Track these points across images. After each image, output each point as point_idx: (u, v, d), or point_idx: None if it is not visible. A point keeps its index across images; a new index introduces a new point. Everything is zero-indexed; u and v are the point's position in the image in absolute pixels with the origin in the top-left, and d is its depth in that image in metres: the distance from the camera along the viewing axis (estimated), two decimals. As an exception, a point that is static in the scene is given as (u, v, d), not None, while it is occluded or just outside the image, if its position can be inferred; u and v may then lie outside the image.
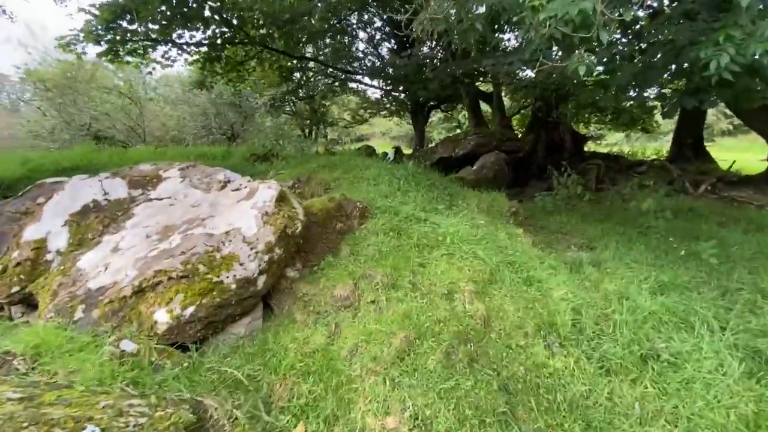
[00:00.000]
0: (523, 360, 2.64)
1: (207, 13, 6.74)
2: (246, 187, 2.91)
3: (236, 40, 7.77)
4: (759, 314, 3.48)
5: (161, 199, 3.14)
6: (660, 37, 5.10)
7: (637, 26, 6.17)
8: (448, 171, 10.28)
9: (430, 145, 12.51)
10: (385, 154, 11.08)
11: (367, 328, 2.37)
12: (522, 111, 15.42)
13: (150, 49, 7.80)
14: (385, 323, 2.41)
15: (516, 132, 15.56)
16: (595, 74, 7.57)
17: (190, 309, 2.09)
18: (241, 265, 2.27)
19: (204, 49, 7.84)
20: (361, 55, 14.67)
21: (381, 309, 2.52)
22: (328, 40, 12.22)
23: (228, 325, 2.35)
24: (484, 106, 15.49)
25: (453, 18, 3.68)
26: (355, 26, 14.85)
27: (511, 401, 2.35)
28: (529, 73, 7.11)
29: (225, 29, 7.43)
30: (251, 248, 2.33)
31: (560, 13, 2.78)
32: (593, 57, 2.81)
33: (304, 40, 10.48)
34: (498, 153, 9.65)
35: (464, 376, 2.30)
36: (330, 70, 10.71)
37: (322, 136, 22.21)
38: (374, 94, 20.29)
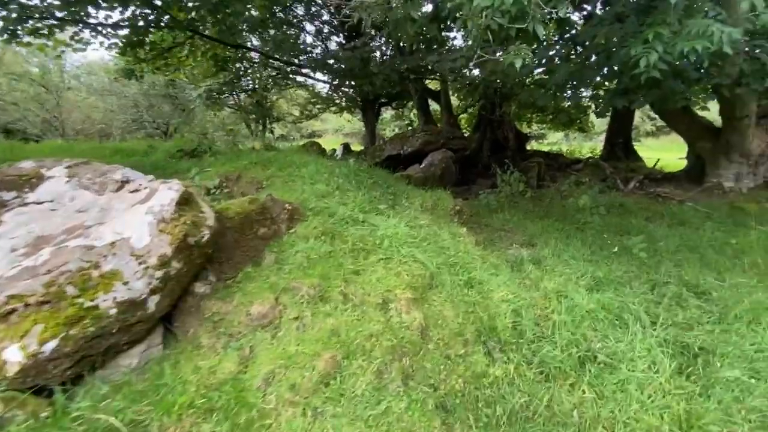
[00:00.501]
0: (462, 371, 2.47)
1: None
2: (146, 188, 2.47)
3: (161, 24, 7.00)
4: (685, 307, 3.62)
5: (40, 203, 2.60)
6: (594, 38, 5.25)
7: (573, 31, 6.37)
8: (397, 169, 10.16)
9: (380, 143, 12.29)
10: (333, 150, 10.71)
11: (287, 350, 2.07)
12: (469, 110, 15.70)
13: (57, 30, 6.82)
14: (308, 343, 2.12)
15: (464, 130, 15.87)
16: (536, 74, 7.76)
17: (52, 343, 1.66)
18: (125, 284, 1.86)
19: (124, 32, 6.98)
20: (309, 48, 14.12)
21: (305, 326, 2.22)
22: (272, 31, 11.58)
23: (114, 358, 1.93)
24: (434, 105, 15.60)
25: (388, 5, 3.45)
26: (301, 18, 14.27)
27: (448, 420, 2.17)
28: (476, 72, 7.11)
29: (147, 10, 6.65)
30: (140, 263, 1.92)
31: (496, 3, 2.64)
32: (529, 51, 2.69)
33: (244, 28, 9.81)
34: (445, 151, 9.66)
35: (397, 398, 2.07)
36: (271, 61, 10.09)
37: (268, 131, 21.26)
38: (324, 88, 19.71)
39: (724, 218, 6.42)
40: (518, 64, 2.59)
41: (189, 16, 6.95)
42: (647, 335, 2.96)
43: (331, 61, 11.86)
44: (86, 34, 6.85)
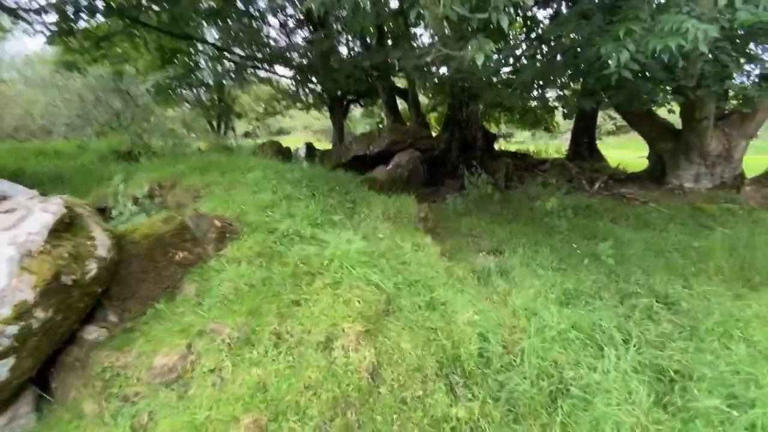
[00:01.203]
0: (420, 417, 2.12)
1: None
2: (23, 207, 1.95)
3: (94, 10, 6.23)
4: (656, 321, 3.45)
5: None
6: (560, 38, 5.05)
7: (539, 29, 6.19)
8: (364, 169, 9.76)
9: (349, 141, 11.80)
10: (295, 150, 10.15)
11: (197, 416, 1.64)
12: (438, 108, 15.49)
13: (-32, 14, 5.92)
14: (225, 404, 1.69)
15: (434, 129, 15.65)
16: (503, 74, 7.55)
17: None
18: (-40, 347, 1.38)
19: (51, 18, 6.17)
20: (272, 42, 13.39)
21: (223, 381, 1.79)
22: (229, 22, 10.83)
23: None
24: (404, 103, 15.28)
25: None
26: (263, 9, 13.52)
27: (401, 485, 1.82)
28: (443, 70, 6.80)
29: (75, -6, 5.89)
30: (-14, 316, 1.44)
31: (455, -10, 2.31)
32: (492, 46, 2.36)
33: (197, 18, 9.05)
34: (413, 151, 9.35)
35: (338, 466, 1.70)
36: (228, 54, 9.34)
37: (229, 129, 20.28)
38: (290, 84, 18.96)
39: (686, 219, 6.45)
40: (479, 60, 2.26)
41: (129, 3, 6.22)
42: (621, 358, 2.73)
43: (291, 55, 11.26)
44: (6, 20, 6.00)
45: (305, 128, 41.35)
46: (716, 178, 7.55)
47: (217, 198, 3.49)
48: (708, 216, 6.48)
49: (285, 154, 9.27)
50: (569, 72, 4.52)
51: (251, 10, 12.89)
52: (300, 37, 15.49)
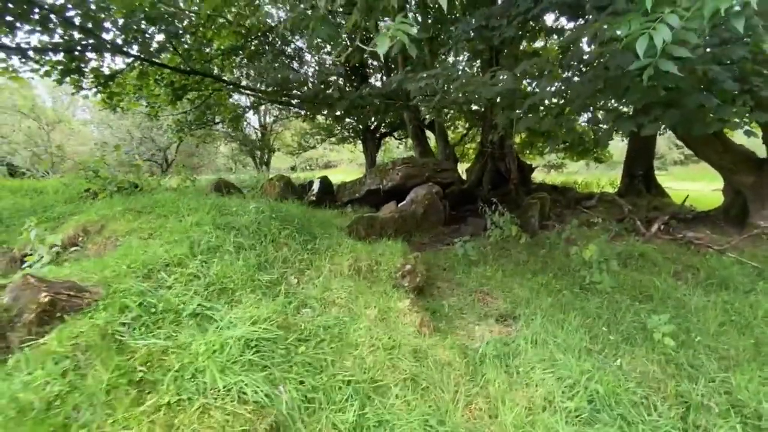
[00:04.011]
0: None
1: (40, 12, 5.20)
2: None
3: (97, 48, 6.25)
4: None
5: None
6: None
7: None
8: (377, 205, 8.94)
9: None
10: (310, 184, 9.62)
11: None
12: (465, 139, 14.50)
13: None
14: None
15: (470, 162, 14.59)
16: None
17: None
18: None
19: (56, 57, 6.24)
20: (309, 82, 13.36)
21: None
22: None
23: None
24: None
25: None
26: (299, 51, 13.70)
27: None
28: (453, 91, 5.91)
29: (78, 34, 5.91)
30: None
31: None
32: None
33: (208, 56, 9.07)
34: (431, 185, 8.40)
35: None
36: (231, 87, 9.11)
37: (263, 163, 20.70)
38: (324, 119, 19.05)
39: (782, 277, 4.82)
40: (382, 49, 1.38)
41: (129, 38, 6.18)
42: None
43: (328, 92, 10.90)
44: (14, 60, 6.19)
45: (351, 162, 42.08)
46: (821, 221, 5.77)
47: (132, 249, 2.80)
48: (815, 273, 4.80)
49: (293, 189, 8.72)
50: (599, 87, 3.43)
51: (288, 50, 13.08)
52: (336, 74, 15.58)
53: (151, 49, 7.00)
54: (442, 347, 3.03)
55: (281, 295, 2.66)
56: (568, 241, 6.23)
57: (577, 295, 4.38)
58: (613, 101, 3.55)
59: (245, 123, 22.38)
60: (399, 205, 7.80)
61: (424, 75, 5.27)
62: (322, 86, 7.40)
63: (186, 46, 7.48)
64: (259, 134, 24.25)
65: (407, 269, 3.85)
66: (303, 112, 15.87)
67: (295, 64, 13.13)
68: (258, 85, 10.18)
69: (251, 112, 24.42)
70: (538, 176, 15.11)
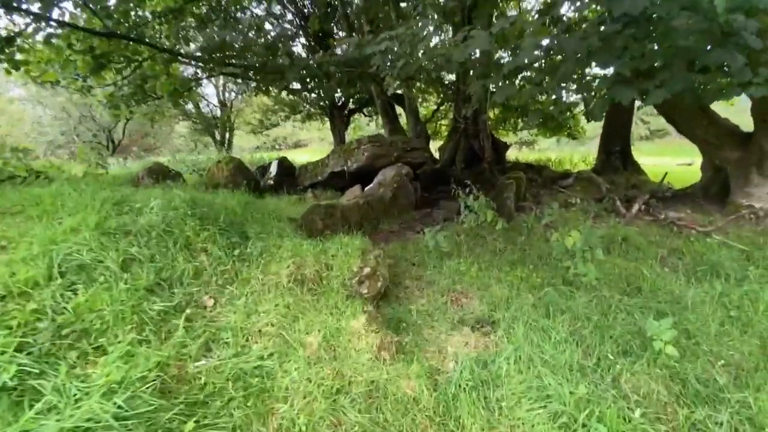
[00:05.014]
0: None
1: None
2: None
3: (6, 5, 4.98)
4: None
5: None
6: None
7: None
8: (342, 188, 8.17)
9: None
10: (264, 168, 8.67)
11: None
12: (438, 114, 13.75)
13: None
14: None
15: (442, 139, 13.87)
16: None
17: None
18: None
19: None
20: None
21: None
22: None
23: None
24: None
25: None
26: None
27: None
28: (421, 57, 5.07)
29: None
30: None
31: None
32: None
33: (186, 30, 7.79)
34: (400, 166, 7.68)
35: None
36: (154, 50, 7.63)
37: (224, 143, 19.29)
38: (287, 94, 17.72)
39: (774, 261, 4.47)
40: None
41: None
42: None
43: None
44: None
45: (322, 140, 40.36)
46: (806, 198, 5.50)
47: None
48: (808, 256, 4.48)
49: (246, 172, 7.78)
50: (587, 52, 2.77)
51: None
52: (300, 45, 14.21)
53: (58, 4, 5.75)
54: (406, 377, 2.39)
55: (179, 329, 1.91)
56: (547, 226, 5.71)
57: (561, 291, 3.85)
58: (608, 66, 2.91)
59: (200, 99, 20.66)
60: (365, 189, 7.07)
61: (386, 36, 4.44)
62: (269, 51, 6.40)
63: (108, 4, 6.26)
64: (218, 112, 22.55)
65: (366, 273, 3.16)
66: (253, 85, 14.35)
67: (252, 34, 11.76)
68: (193, 51, 8.93)
69: (205, 85, 22.52)
70: (511, 154, 14.63)
